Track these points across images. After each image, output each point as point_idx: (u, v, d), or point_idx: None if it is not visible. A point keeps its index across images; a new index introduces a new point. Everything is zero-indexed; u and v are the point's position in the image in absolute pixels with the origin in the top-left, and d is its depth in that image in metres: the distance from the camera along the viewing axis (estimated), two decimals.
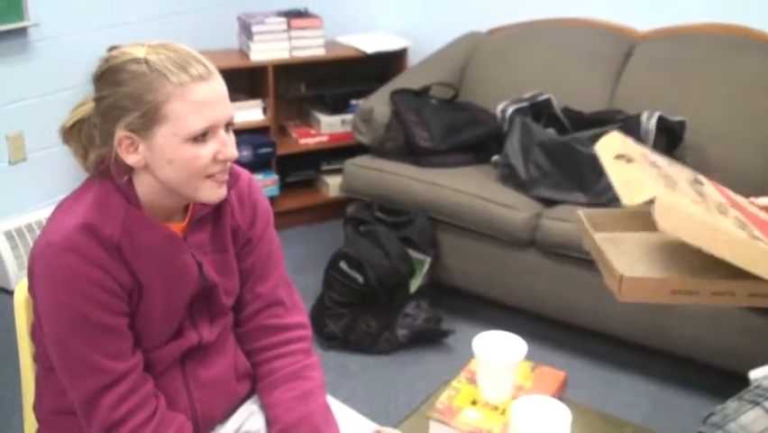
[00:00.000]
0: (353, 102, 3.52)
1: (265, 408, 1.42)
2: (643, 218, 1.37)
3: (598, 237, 1.31)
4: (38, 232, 3.00)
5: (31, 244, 2.97)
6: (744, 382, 1.59)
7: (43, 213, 3.06)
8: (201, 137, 1.19)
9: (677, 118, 2.71)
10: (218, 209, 1.33)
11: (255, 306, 1.42)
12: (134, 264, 1.23)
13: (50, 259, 1.19)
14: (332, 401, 1.48)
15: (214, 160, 1.21)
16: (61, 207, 1.26)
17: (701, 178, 1.40)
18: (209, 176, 1.22)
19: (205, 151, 1.20)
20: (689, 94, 2.83)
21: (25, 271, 3.12)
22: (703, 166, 2.73)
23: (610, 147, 1.34)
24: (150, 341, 1.28)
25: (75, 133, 1.26)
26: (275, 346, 1.43)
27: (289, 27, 3.36)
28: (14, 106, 3.04)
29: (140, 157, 1.20)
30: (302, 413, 1.37)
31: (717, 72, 2.83)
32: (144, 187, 1.24)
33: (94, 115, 1.23)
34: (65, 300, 1.18)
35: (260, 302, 1.42)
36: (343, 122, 3.53)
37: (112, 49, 3.42)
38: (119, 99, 1.18)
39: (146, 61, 1.17)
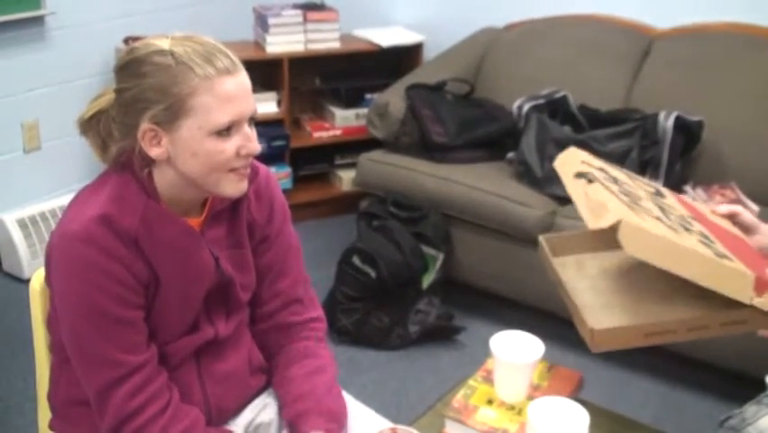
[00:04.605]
0: (368, 96, 3.51)
1: (277, 386, 1.42)
2: (606, 237, 1.35)
3: (558, 261, 1.31)
4: (51, 221, 3.01)
5: (44, 232, 2.98)
6: (756, 385, 1.57)
7: (57, 202, 3.07)
8: (225, 131, 1.18)
9: (695, 118, 2.69)
10: (235, 204, 1.33)
11: (274, 304, 1.41)
12: (152, 257, 1.22)
13: (66, 250, 1.18)
14: (346, 397, 1.48)
15: (238, 154, 1.20)
16: (79, 198, 1.26)
17: (663, 190, 1.39)
18: (231, 170, 1.21)
19: (230, 145, 1.19)
20: (707, 94, 2.80)
21: (39, 260, 3.15)
22: (720, 167, 2.72)
23: (570, 164, 1.33)
24: (165, 334, 1.28)
25: (93, 125, 1.25)
26: (292, 340, 1.43)
27: (305, 20, 3.35)
28: (30, 95, 3.04)
29: (162, 150, 1.19)
30: (309, 386, 1.37)
31: (736, 72, 2.81)
32: (164, 180, 1.23)
33: (114, 107, 1.22)
34: (81, 292, 1.18)
35: (280, 300, 1.41)
36: (358, 116, 3.52)
37: (128, 39, 3.44)
38: (143, 91, 1.17)
39: (171, 53, 1.16)
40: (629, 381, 2.53)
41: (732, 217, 1.36)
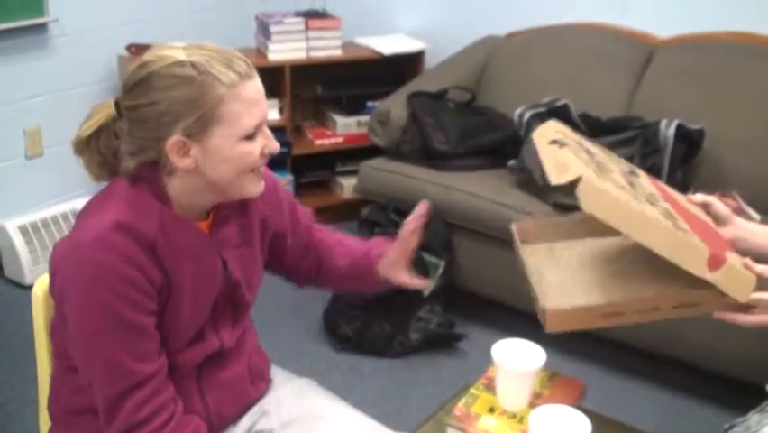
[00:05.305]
0: (369, 103, 3.52)
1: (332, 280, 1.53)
2: (583, 226, 1.41)
3: (530, 250, 1.35)
4: (53, 227, 3.01)
5: (46, 239, 2.98)
6: (758, 393, 1.57)
7: (59, 208, 3.07)
8: (252, 134, 1.20)
9: (696, 126, 2.69)
10: (243, 203, 1.33)
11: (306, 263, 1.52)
12: (167, 263, 1.22)
13: (82, 258, 1.17)
14: (346, 406, 1.48)
15: (261, 154, 1.23)
16: (89, 208, 1.25)
17: (638, 170, 1.41)
18: (252, 170, 1.23)
19: (256, 146, 1.22)
20: (708, 102, 2.80)
21: (40, 266, 3.14)
22: (721, 175, 2.72)
23: (546, 134, 1.36)
24: (174, 342, 1.28)
25: (92, 143, 1.24)
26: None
27: (307, 27, 3.36)
28: (33, 102, 3.05)
29: (191, 160, 1.19)
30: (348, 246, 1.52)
31: (737, 81, 2.81)
32: (181, 188, 1.23)
33: (123, 123, 1.21)
34: (98, 299, 1.17)
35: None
36: (359, 123, 3.52)
37: (131, 46, 3.43)
38: (170, 105, 1.16)
39: (191, 64, 1.16)
40: (631, 389, 2.53)
41: (705, 207, 1.39)
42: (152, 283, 1.20)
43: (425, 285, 1.48)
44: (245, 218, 1.34)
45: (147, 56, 1.20)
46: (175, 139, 1.17)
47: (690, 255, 1.18)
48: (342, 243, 1.53)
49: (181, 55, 1.17)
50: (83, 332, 1.20)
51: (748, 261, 1.25)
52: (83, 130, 1.24)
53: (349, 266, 1.49)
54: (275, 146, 1.24)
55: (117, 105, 1.22)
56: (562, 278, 1.33)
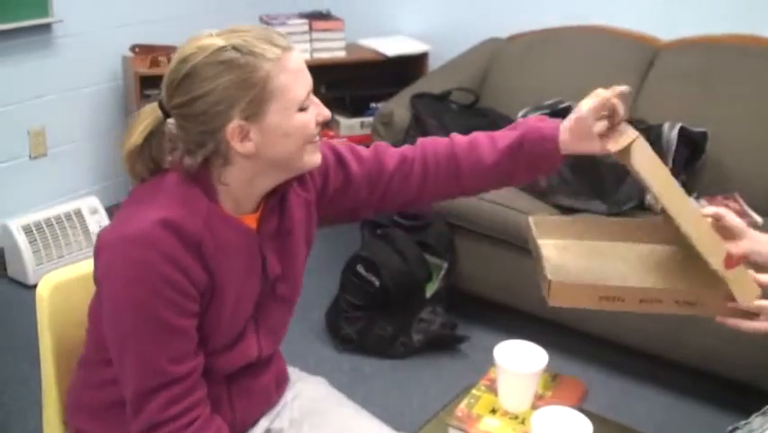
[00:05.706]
0: (373, 105, 3.53)
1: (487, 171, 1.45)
2: (597, 229, 1.44)
3: (542, 243, 1.37)
4: (56, 227, 3.02)
5: (50, 238, 2.99)
6: (761, 396, 1.57)
7: (62, 208, 3.08)
8: (304, 104, 1.20)
9: (699, 129, 2.69)
10: (283, 193, 1.31)
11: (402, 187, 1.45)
12: (212, 263, 1.19)
13: (124, 253, 1.15)
14: (349, 403, 1.50)
15: (316, 123, 1.22)
16: (137, 196, 1.22)
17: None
18: (311, 141, 1.22)
19: (310, 116, 1.21)
20: (711, 105, 2.81)
21: (44, 266, 3.14)
22: (724, 178, 2.72)
23: None
24: (213, 344, 1.25)
25: (144, 151, 1.22)
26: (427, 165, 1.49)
27: (311, 29, 3.37)
28: (37, 102, 3.06)
29: (252, 144, 1.17)
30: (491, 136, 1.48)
31: (740, 84, 2.81)
32: (240, 176, 1.21)
33: (174, 124, 1.19)
34: (136, 295, 1.15)
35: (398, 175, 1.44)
36: (363, 124, 3.53)
37: (135, 47, 3.43)
38: (222, 92, 1.14)
39: (233, 47, 1.15)
40: (633, 391, 2.53)
41: (717, 220, 1.36)
42: (195, 285, 1.18)
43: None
44: (284, 208, 1.31)
45: (184, 50, 1.18)
46: (234, 125, 1.15)
47: (712, 246, 1.23)
48: (471, 144, 1.50)
49: (220, 41, 1.16)
50: (118, 326, 1.18)
51: (752, 272, 1.28)
52: (136, 137, 1.21)
53: (494, 163, 1.43)
54: (327, 113, 1.23)
55: (161, 106, 1.20)
56: (571, 263, 1.35)
